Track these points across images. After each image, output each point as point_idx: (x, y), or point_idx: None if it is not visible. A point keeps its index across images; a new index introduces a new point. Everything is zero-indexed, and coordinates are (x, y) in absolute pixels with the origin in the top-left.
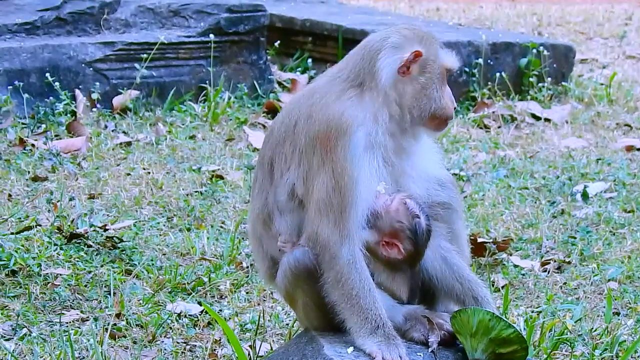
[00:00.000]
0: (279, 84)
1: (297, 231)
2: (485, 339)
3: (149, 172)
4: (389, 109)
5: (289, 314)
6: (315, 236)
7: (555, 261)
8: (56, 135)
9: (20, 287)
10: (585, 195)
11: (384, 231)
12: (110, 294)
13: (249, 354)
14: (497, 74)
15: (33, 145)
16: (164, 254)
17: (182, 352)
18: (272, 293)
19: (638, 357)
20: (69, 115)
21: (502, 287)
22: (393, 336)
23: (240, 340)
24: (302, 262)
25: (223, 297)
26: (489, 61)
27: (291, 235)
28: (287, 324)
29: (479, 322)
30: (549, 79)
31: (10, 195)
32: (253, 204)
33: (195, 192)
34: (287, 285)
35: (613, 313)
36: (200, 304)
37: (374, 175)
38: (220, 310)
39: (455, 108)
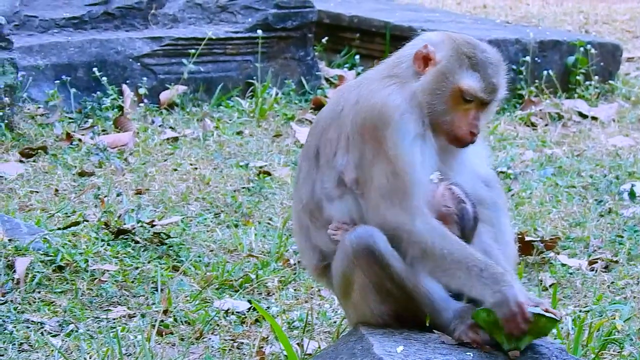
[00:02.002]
0: (327, 80)
1: (349, 215)
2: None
3: (196, 168)
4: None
5: (336, 312)
6: (384, 224)
7: (602, 260)
8: (103, 130)
9: (67, 283)
10: (632, 194)
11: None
12: (157, 291)
13: (297, 352)
14: (545, 72)
15: (80, 140)
16: (212, 251)
17: (230, 350)
18: (319, 290)
19: None
20: (116, 110)
21: (550, 286)
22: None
23: (288, 338)
24: (364, 240)
25: (270, 294)
26: (536, 59)
27: (344, 220)
28: (335, 322)
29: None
30: (596, 77)
31: (57, 190)
32: (298, 196)
33: (243, 188)
34: (345, 268)
35: None
36: (249, 301)
37: (427, 161)
38: (268, 308)
39: (473, 132)
